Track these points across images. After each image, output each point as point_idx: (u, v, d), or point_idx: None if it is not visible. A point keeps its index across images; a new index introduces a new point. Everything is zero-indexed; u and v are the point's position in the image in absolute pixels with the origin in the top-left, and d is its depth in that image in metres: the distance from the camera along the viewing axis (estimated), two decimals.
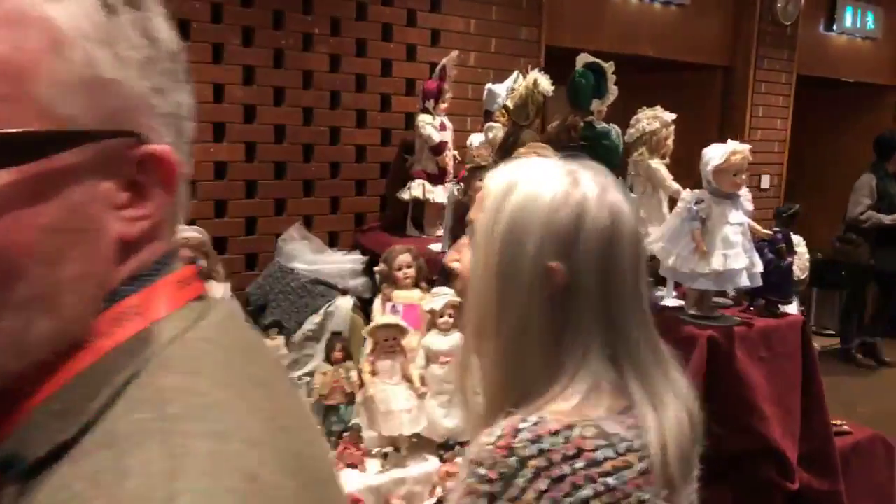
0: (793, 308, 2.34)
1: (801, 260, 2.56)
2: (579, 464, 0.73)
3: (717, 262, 1.98)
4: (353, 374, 1.71)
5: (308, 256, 3.49)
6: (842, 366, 6.03)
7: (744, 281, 2.01)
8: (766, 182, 5.56)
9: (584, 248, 0.81)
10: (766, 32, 5.23)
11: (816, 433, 2.25)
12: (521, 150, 2.12)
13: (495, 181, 0.90)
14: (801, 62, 5.55)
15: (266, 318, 3.50)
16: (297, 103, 3.49)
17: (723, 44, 5.21)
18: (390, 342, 1.68)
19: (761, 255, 2.18)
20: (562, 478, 0.72)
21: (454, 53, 3.56)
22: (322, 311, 3.12)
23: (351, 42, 3.60)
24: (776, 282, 2.18)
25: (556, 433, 0.74)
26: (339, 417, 1.72)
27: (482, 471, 0.74)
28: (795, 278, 2.35)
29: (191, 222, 3.29)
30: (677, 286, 2.36)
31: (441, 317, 1.94)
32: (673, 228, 2.10)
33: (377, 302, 2.25)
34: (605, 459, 0.74)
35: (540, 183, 0.85)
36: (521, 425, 0.76)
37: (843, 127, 6.86)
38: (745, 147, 2.03)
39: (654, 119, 2.35)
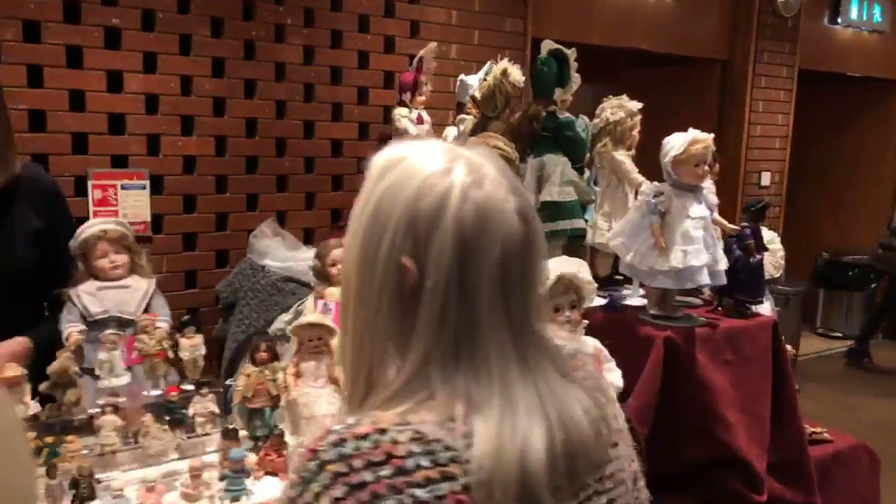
0: (765, 308, 2.21)
1: (774, 257, 2.42)
2: (385, 471, 0.64)
3: (675, 259, 1.86)
4: (280, 376, 1.61)
5: (281, 253, 3.41)
6: (849, 369, 5.86)
7: (704, 279, 1.88)
8: (766, 179, 5.40)
9: (437, 247, 0.71)
10: (766, 25, 5.07)
11: (789, 441, 2.12)
12: (472, 139, 2.02)
13: (376, 161, 0.80)
14: (804, 56, 5.38)
15: (236, 317, 3.43)
16: (270, 96, 3.41)
17: (720, 37, 5.06)
18: (315, 342, 1.58)
19: (729, 252, 2.05)
20: (362, 485, 0.64)
21: (432, 45, 3.44)
22: (293, 310, 3.02)
23: (326, 33, 3.51)
24: (745, 280, 2.05)
25: (364, 437, 0.66)
26: (263, 422, 1.62)
27: (292, 475, 0.69)
28: (768, 276, 2.22)
29: (158, 218, 3.23)
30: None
31: None
32: (632, 223, 1.98)
33: (310, 300, 2.16)
34: (418, 468, 0.64)
35: (414, 167, 0.75)
36: (336, 427, 0.69)
37: (850, 123, 6.67)
38: (707, 136, 1.90)
39: (619, 108, 2.23)
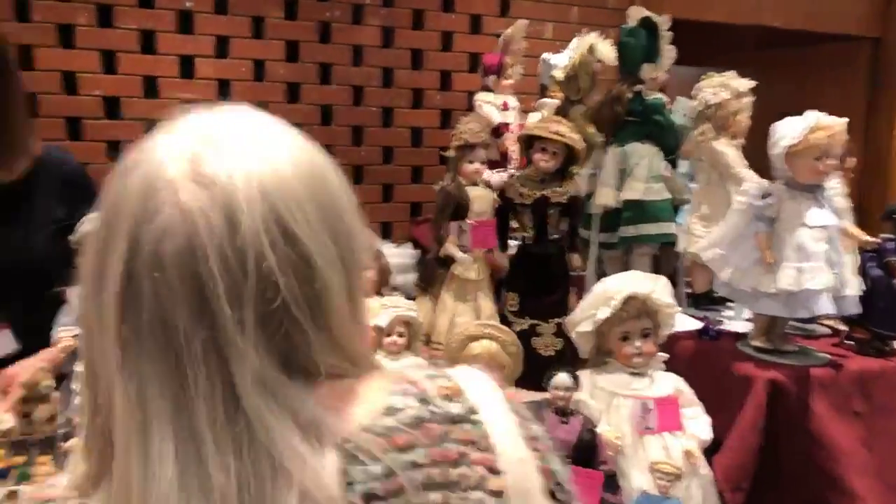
0: None
1: None
2: None
3: (786, 280, 1.44)
4: None
5: None
6: None
7: (825, 307, 1.44)
8: None
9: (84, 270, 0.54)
10: None
11: None
12: (530, 124, 1.68)
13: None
14: None
15: None
16: (346, 82, 3.23)
17: (870, 9, 4.37)
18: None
19: (865, 272, 1.60)
20: None
21: (521, 23, 3.13)
22: None
23: (406, 13, 3.29)
24: (885, 308, 1.58)
25: None
26: None
27: None
28: None
29: None
30: None
31: (388, 335, 1.55)
32: (732, 231, 1.57)
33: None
34: None
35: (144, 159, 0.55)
36: None
37: None
38: (836, 122, 1.46)
39: (722, 88, 1.80)
